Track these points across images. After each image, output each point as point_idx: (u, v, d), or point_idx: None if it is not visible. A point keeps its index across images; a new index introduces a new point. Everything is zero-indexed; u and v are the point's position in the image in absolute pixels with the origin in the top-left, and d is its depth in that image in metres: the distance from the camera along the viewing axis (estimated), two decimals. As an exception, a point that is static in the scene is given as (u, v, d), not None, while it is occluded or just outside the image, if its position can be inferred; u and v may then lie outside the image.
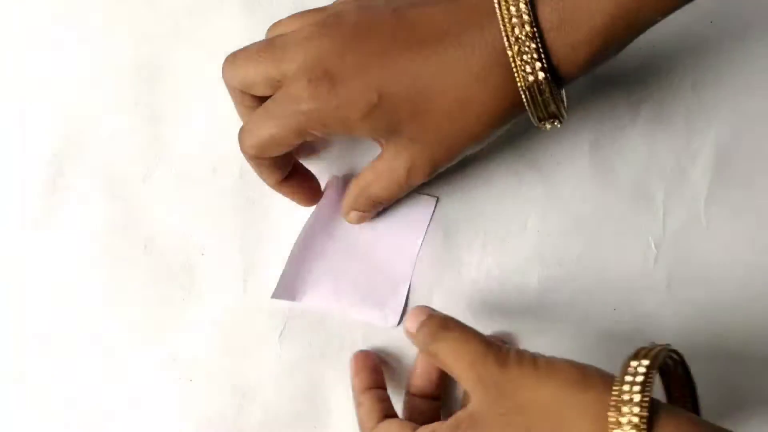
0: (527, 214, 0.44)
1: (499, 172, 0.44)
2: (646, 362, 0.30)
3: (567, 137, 0.44)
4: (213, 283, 0.43)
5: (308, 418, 0.44)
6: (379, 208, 0.42)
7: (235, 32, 0.43)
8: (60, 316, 0.43)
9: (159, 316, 0.43)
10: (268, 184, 0.39)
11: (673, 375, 0.35)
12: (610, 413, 0.29)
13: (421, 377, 0.41)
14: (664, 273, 0.45)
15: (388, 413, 0.39)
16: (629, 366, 0.30)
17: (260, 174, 0.39)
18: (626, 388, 0.29)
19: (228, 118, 0.41)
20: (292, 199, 0.41)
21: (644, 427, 0.28)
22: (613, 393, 0.29)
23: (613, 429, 0.29)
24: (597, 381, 0.31)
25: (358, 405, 0.40)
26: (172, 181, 0.43)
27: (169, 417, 0.43)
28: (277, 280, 0.41)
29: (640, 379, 0.29)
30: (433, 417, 0.40)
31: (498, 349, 0.34)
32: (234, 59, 0.36)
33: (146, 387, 0.43)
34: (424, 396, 0.41)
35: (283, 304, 0.43)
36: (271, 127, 0.35)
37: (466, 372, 0.33)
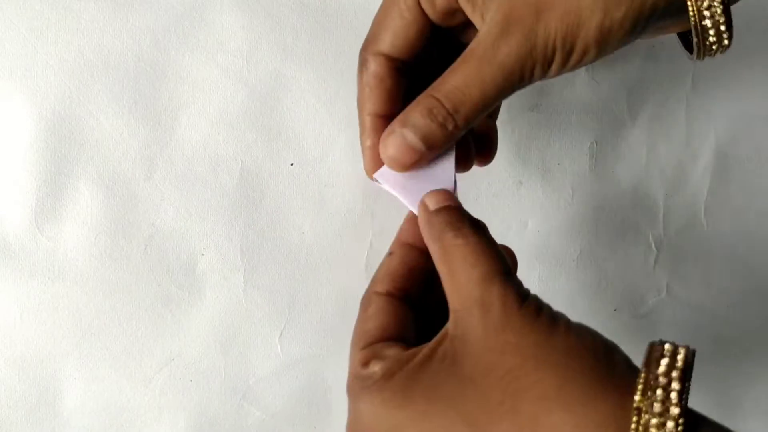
0: (527, 214, 0.44)
1: (499, 172, 0.44)
2: (682, 350, 0.25)
3: (567, 137, 0.44)
4: (213, 283, 0.43)
5: (308, 418, 0.44)
6: (454, 131, 0.29)
7: (235, 32, 0.43)
8: (60, 315, 0.43)
9: (159, 316, 0.43)
10: None
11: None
12: (637, 398, 0.23)
13: (396, 266, 0.32)
14: (664, 273, 0.45)
15: (405, 289, 0.31)
16: (660, 348, 0.25)
17: None
18: (657, 407, 0.23)
19: (228, 118, 0.41)
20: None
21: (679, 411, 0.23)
22: (642, 374, 0.24)
23: (636, 417, 0.23)
24: (622, 365, 0.25)
25: (389, 254, 0.32)
26: (172, 181, 0.43)
27: (169, 417, 0.43)
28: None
29: (680, 363, 0.24)
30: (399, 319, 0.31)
31: (519, 283, 0.28)
32: None
33: (146, 387, 0.43)
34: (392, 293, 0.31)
35: (283, 304, 0.43)
36: None
37: (469, 288, 0.27)
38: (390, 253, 0.32)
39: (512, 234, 0.44)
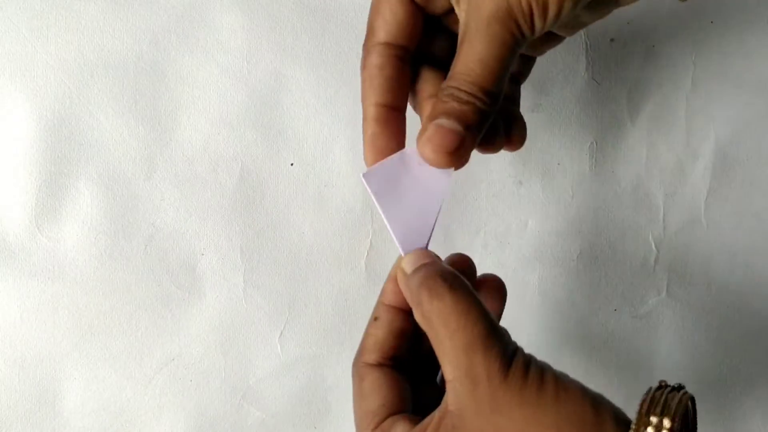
0: (527, 214, 0.44)
1: (499, 172, 0.44)
2: (667, 422, 0.25)
3: (567, 137, 0.44)
4: (213, 283, 0.43)
5: (308, 418, 0.44)
6: (481, 105, 0.29)
7: (235, 32, 0.43)
8: (60, 315, 0.43)
9: (159, 316, 0.43)
10: None
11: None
12: None
13: (384, 326, 0.32)
14: (664, 273, 0.45)
15: (394, 356, 0.32)
16: (647, 422, 0.25)
17: None
18: None
19: (228, 118, 0.41)
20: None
21: None
22: None
23: None
24: (612, 428, 0.25)
25: (371, 317, 0.33)
26: (172, 181, 0.43)
27: (169, 417, 0.43)
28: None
29: None
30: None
31: (504, 342, 0.27)
32: None
33: (146, 387, 0.43)
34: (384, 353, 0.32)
35: (283, 304, 0.43)
36: None
37: (456, 356, 0.27)
38: (375, 319, 0.32)
39: (512, 234, 0.44)
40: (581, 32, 0.43)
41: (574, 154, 0.44)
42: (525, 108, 0.44)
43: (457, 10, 0.31)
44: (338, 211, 0.44)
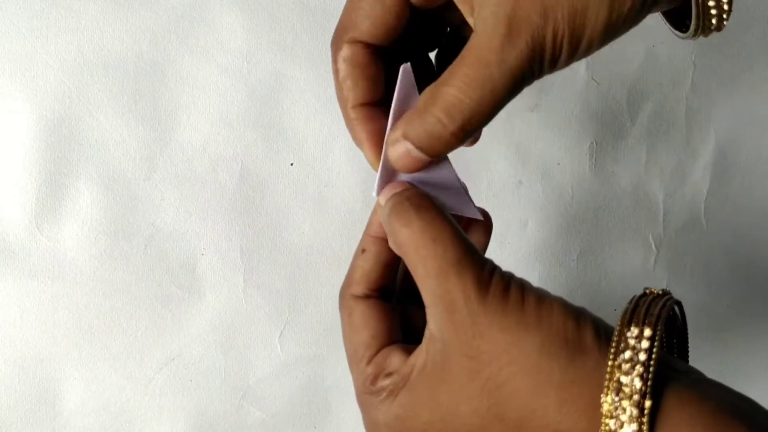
0: (527, 214, 0.44)
1: (499, 173, 0.44)
2: (648, 331, 0.24)
3: (567, 137, 0.44)
4: (213, 283, 0.43)
5: (308, 418, 0.44)
6: (458, 142, 0.27)
7: (235, 32, 0.43)
8: (60, 315, 0.43)
9: (159, 316, 0.43)
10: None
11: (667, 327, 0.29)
12: (605, 398, 0.23)
13: (371, 258, 0.31)
14: (664, 273, 0.45)
15: (381, 288, 0.31)
16: (627, 331, 0.24)
17: None
18: (626, 366, 0.24)
19: (228, 118, 0.41)
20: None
21: (646, 420, 0.23)
22: (609, 370, 0.24)
23: (608, 422, 0.23)
24: (592, 342, 0.25)
25: (357, 250, 0.32)
26: (172, 181, 0.43)
27: (169, 417, 0.43)
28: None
29: (642, 356, 0.24)
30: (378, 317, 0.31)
31: (480, 263, 0.26)
32: None
33: (146, 387, 0.43)
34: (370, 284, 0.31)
35: (283, 304, 0.43)
36: None
37: (431, 280, 0.26)
38: (363, 251, 0.31)
39: (512, 234, 0.44)
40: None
41: (574, 154, 0.44)
42: (525, 108, 0.44)
43: (464, 11, 0.28)
44: (338, 211, 0.44)
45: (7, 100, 0.42)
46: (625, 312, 0.25)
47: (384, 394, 0.29)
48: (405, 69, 0.29)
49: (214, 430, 0.43)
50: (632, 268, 0.44)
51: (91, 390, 0.43)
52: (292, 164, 0.43)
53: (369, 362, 0.30)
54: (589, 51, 0.27)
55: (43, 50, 0.42)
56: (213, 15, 0.43)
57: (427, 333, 0.28)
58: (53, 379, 0.43)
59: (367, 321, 0.30)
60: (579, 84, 0.40)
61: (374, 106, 0.30)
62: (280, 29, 0.42)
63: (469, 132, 0.27)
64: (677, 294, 0.45)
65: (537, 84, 0.43)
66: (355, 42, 0.30)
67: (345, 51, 0.30)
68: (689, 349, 0.31)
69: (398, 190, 0.29)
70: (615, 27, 0.26)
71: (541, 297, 0.26)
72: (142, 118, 0.43)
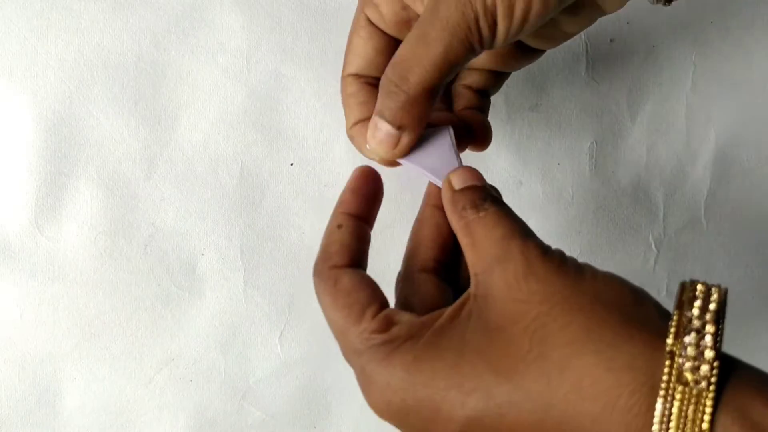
0: (527, 214, 0.44)
1: (499, 172, 0.44)
2: (715, 293, 0.24)
3: (567, 137, 0.44)
4: (213, 283, 0.43)
5: (308, 418, 0.44)
6: (408, 100, 0.29)
7: (235, 32, 0.43)
8: (60, 315, 0.43)
9: (159, 316, 0.43)
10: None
11: None
12: (664, 381, 0.22)
13: (428, 244, 0.31)
14: (664, 273, 0.45)
15: (359, 261, 0.31)
16: (693, 288, 0.24)
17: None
18: (690, 351, 0.22)
19: (228, 118, 0.41)
20: None
21: (710, 411, 0.22)
22: (675, 315, 0.23)
23: (675, 358, 0.22)
24: (653, 312, 0.24)
25: (331, 227, 0.32)
26: (172, 181, 0.43)
27: (169, 417, 0.43)
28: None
29: (713, 306, 0.23)
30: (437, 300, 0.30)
31: (541, 242, 0.27)
32: None
33: (146, 387, 0.43)
34: (426, 270, 0.31)
35: (283, 304, 0.43)
36: None
37: (491, 246, 0.26)
38: (339, 226, 0.31)
39: (512, 234, 0.44)
40: (581, 32, 0.43)
41: (574, 154, 0.44)
42: (525, 108, 0.44)
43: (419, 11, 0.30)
44: (338, 211, 0.44)
45: (7, 100, 0.42)
46: (683, 284, 0.25)
47: (399, 343, 0.27)
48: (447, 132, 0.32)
49: (214, 430, 0.43)
50: (632, 268, 0.44)
51: (91, 390, 0.43)
52: (292, 164, 0.43)
53: (375, 316, 0.28)
54: (528, 12, 0.28)
55: (43, 50, 0.42)
56: (213, 15, 0.43)
57: (463, 297, 0.27)
58: (53, 379, 0.43)
59: (360, 283, 0.29)
60: (579, 84, 0.40)
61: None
62: (280, 29, 0.42)
63: (423, 89, 0.29)
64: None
65: (537, 84, 0.43)
66: (348, 76, 0.33)
67: (346, 83, 0.34)
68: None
69: (474, 182, 0.30)
70: None
71: (598, 271, 0.26)
72: (142, 118, 0.43)
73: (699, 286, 0.24)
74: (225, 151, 0.43)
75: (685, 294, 0.24)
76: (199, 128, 0.43)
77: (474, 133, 0.35)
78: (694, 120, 0.45)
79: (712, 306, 0.23)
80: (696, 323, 0.23)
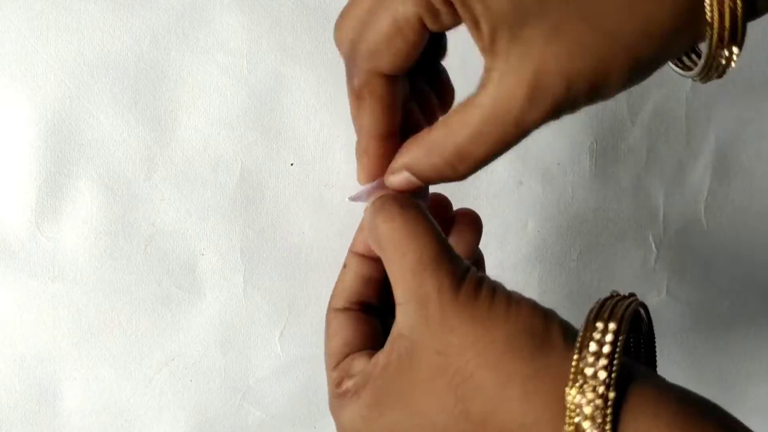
0: (527, 214, 0.44)
1: (499, 172, 0.44)
2: (613, 325, 0.24)
3: (567, 137, 0.44)
4: (213, 283, 0.43)
5: (308, 418, 0.44)
6: (451, 175, 0.28)
7: (235, 32, 0.43)
8: (60, 315, 0.43)
9: (159, 316, 0.43)
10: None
11: (634, 330, 0.29)
12: (569, 390, 0.23)
13: (357, 270, 0.31)
14: (664, 273, 0.45)
15: (361, 301, 0.32)
16: (593, 327, 0.24)
17: None
18: (590, 359, 0.24)
19: (228, 118, 0.41)
20: None
21: (609, 412, 0.23)
22: (574, 362, 0.24)
23: (572, 415, 0.23)
24: (559, 339, 0.25)
25: (344, 267, 0.32)
26: (172, 181, 0.43)
27: (169, 417, 0.43)
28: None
29: (607, 349, 0.24)
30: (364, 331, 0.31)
31: (456, 262, 0.27)
32: None
33: (146, 387, 0.43)
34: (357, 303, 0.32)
35: (283, 303, 0.43)
36: None
37: (405, 278, 0.27)
38: (345, 266, 0.32)
39: (512, 234, 0.44)
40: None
41: (574, 154, 0.44)
42: (525, 108, 0.44)
43: (482, 47, 0.26)
44: (338, 211, 0.44)
45: (7, 100, 0.42)
46: (591, 311, 0.25)
47: (348, 396, 0.29)
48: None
49: (214, 430, 0.43)
50: (632, 268, 0.44)
51: (91, 390, 0.43)
52: (292, 164, 0.43)
53: (335, 367, 0.30)
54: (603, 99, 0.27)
55: (43, 50, 0.42)
56: (213, 15, 0.43)
57: (394, 331, 0.28)
58: (53, 379, 0.43)
59: (340, 330, 0.31)
60: (579, 84, 0.40)
61: (391, 137, 0.30)
62: (280, 29, 0.42)
63: (474, 171, 0.28)
64: (678, 294, 0.45)
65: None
66: (378, 74, 0.29)
67: (366, 78, 0.29)
68: (690, 352, 0.31)
69: (384, 192, 0.29)
70: (632, 81, 0.26)
71: (510, 296, 0.27)
72: (142, 118, 0.43)
73: (599, 324, 0.25)
74: (225, 151, 0.43)
75: (588, 332, 0.25)
76: (199, 128, 0.43)
77: (441, 93, 0.33)
78: (694, 120, 0.45)
79: (606, 349, 0.24)
80: (589, 371, 0.24)
